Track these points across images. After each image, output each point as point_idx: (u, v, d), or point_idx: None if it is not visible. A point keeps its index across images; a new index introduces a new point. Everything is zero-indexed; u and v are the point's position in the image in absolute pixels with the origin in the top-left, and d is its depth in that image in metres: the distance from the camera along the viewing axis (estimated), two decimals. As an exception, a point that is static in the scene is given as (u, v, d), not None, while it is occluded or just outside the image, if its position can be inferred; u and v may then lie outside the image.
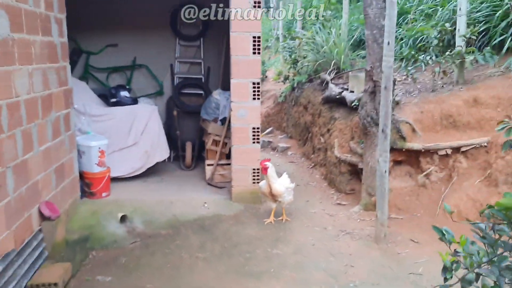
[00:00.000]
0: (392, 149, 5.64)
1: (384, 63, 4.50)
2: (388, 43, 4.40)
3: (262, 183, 5.37)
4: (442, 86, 6.13)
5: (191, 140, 7.57)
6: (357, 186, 6.35)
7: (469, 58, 5.65)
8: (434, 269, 4.10)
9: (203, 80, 8.03)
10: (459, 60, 5.73)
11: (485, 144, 5.25)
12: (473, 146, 5.31)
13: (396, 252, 4.51)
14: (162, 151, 6.83)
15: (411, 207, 5.44)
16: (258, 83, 5.75)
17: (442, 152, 5.49)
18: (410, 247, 4.61)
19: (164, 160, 7.02)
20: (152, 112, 6.71)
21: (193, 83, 7.86)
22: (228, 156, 6.88)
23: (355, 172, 6.40)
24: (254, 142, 5.85)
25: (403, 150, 5.65)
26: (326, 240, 4.85)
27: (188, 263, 4.47)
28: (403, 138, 5.64)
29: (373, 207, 5.63)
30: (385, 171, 4.57)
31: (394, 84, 5.32)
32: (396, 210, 5.51)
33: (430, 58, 6.00)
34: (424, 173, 5.60)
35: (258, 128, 5.84)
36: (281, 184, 5.23)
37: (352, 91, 7.24)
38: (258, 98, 5.77)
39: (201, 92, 7.90)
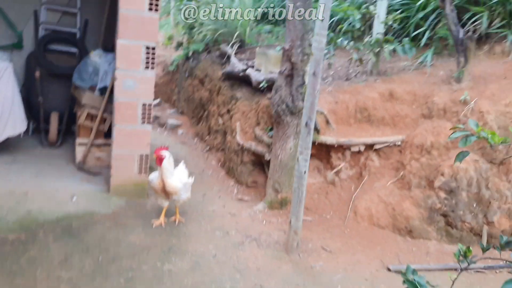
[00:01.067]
0: (304, 142, 5.02)
1: (315, 43, 3.73)
2: (322, 20, 3.63)
3: (153, 176, 4.29)
4: (356, 75, 5.68)
5: (58, 110, 6.02)
6: (261, 179, 5.64)
7: (388, 48, 5.24)
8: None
9: (78, 35, 6.42)
10: (378, 49, 5.29)
11: (399, 143, 4.93)
12: (387, 144, 4.96)
13: (310, 265, 3.91)
14: (16, 122, 5.23)
15: (320, 207, 4.92)
16: (153, 48, 4.56)
17: (355, 149, 5.04)
18: (323, 258, 4.05)
19: (19, 134, 5.40)
20: (4, 69, 5.03)
21: (64, 38, 6.22)
22: (107, 135, 5.57)
23: (259, 163, 5.67)
24: (144, 122, 4.69)
25: (315, 143, 5.06)
26: (229, 250, 4.03)
27: (45, 288, 3.25)
28: (316, 130, 5.04)
29: (279, 206, 4.99)
30: (305, 172, 3.89)
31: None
32: (305, 210, 4.93)
33: (348, 43, 5.46)
34: (335, 169, 5.12)
35: (150, 105, 4.68)
36: (178, 179, 4.22)
37: (259, 70, 6.44)
38: (153, 68, 4.59)
39: (75, 50, 6.30)
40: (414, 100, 5.10)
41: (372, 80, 5.42)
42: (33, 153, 5.66)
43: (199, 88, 8.53)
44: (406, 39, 5.28)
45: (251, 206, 5.10)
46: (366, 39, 5.35)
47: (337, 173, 5.15)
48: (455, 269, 3.98)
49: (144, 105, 4.64)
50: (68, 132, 6.25)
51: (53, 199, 4.51)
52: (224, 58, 7.74)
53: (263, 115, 5.76)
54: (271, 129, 5.60)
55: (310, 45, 4.60)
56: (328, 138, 5.00)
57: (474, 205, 4.38)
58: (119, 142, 4.65)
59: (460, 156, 2.25)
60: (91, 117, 5.37)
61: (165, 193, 4.19)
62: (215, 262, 3.81)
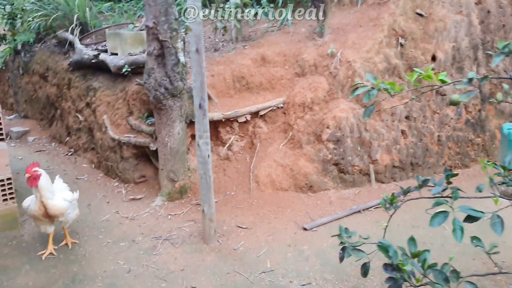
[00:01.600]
0: (190, 122, 4.74)
1: (190, 17, 3.41)
2: (194, -10, 3.32)
3: (28, 202, 3.56)
4: (223, 45, 5.52)
5: None
6: (149, 172, 5.20)
7: (250, 11, 5.17)
8: (280, 259, 3.60)
9: None
10: (240, 14, 5.18)
11: (282, 105, 5.00)
12: (271, 108, 4.99)
13: (232, 248, 3.78)
14: None
15: (222, 185, 4.77)
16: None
17: (242, 119, 4.96)
18: (242, 237, 3.96)
19: None
20: None
21: None
22: None
23: (143, 154, 5.20)
24: (-4, 141, 3.81)
25: (202, 122, 4.81)
26: (143, 259, 3.64)
27: None
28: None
29: (179, 195, 4.68)
30: (208, 156, 3.65)
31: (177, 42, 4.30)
32: (205, 193, 4.72)
33: (209, 12, 5.22)
34: (227, 144, 4.98)
35: (-2, 118, 3.81)
36: (61, 197, 3.57)
37: (115, 53, 5.78)
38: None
39: None
40: (285, 60, 5.19)
41: (240, 47, 5.32)
42: None
43: (42, 85, 7.36)
44: (264, 0, 5.27)
45: (148, 203, 4.68)
46: (226, 5, 5.17)
47: (229, 147, 5.02)
48: (358, 211, 4.30)
49: (-10, 119, 3.75)
50: None
51: None
52: (66, 46, 6.76)
53: (134, 102, 5.23)
54: (148, 116, 5.14)
55: (176, 19, 4.25)
56: (214, 114, 4.80)
57: (359, 148, 4.74)
58: (-32, 171, 3.71)
59: (367, 112, 2.31)
60: None
61: (49, 217, 3.52)
62: (132, 277, 3.39)
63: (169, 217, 4.34)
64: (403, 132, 4.92)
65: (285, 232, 3.99)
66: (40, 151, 6.52)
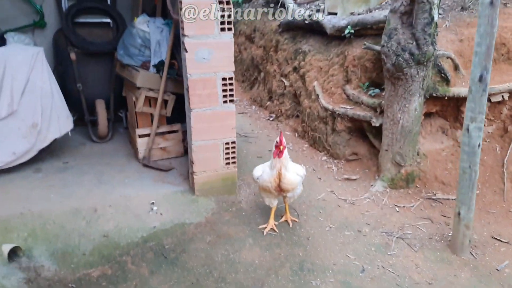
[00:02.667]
0: (429, 97, 3.89)
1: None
2: None
3: (260, 171, 3.27)
4: (472, 2, 4.39)
5: (102, 97, 4.97)
6: (362, 150, 4.57)
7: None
8: None
9: (108, 0, 5.22)
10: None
11: (558, 83, 3.73)
12: (541, 87, 3.77)
13: (493, 267, 2.91)
14: (60, 120, 4.21)
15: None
16: (228, 2, 3.38)
17: (497, 98, 3.88)
18: (503, 254, 3.05)
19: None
20: (36, 56, 3.95)
21: (93, 7, 5.03)
22: (170, 121, 4.54)
23: (358, 129, 4.57)
24: (226, 102, 3.61)
25: (445, 97, 3.91)
26: (376, 257, 3.05)
27: None
28: (446, 80, 3.88)
29: (404, 184, 3.94)
30: (479, 145, 2.79)
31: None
32: (439, 185, 3.89)
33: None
34: (471, 128, 3.97)
35: (231, 78, 3.58)
36: (295, 172, 3.19)
37: (334, 13, 5.19)
38: (230, 28, 3.44)
39: (108, 20, 5.13)
40: None
41: (500, 5, 4.13)
42: (84, 153, 4.67)
43: (247, 46, 7.32)
44: None
45: (365, 187, 4.07)
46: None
47: (470, 131, 4.01)
48: None
49: (224, 79, 3.54)
50: (115, 119, 5.22)
51: (128, 212, 3.56)
52: (276, 4, 6.47)
53: (354, 69, 4.59)
54: (369, 86, 4.46)
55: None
56: (461, 89, 3.84)
57: None
58: (199, 130, 3.60)
59: None
60: (149, 101, 4.30)
61: (280, 190, 3.17)
62: (368, 280, 2.84)
63: (397, 209, 3.65)
64: None
65: None
66: (242, 113, 6.48)
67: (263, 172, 3.20)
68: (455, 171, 3.90)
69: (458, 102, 4.00)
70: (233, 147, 3.76)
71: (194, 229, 3.41)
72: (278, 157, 3.05)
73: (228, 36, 3.42)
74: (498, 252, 3.04)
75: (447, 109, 4.09)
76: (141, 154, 4.37)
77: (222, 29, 3.39)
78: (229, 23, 3.39)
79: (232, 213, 3.64)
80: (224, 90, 3.56)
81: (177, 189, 3.92)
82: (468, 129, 2.76)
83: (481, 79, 2.64)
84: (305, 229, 3.40)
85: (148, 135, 4.35)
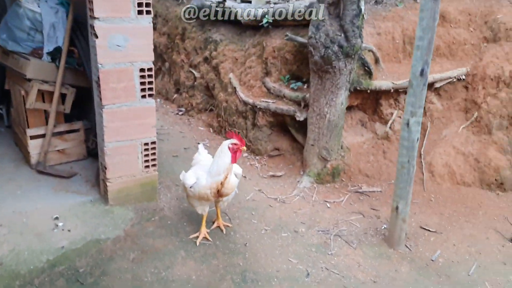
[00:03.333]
0: (352, 91, 3.88)
1: None
2: None
3: (193, 178, 2.87)
4: (385, -4, 4.51)
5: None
6: (284, 144, 4.44)
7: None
8: (503, 283, 2.75)
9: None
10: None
11: (463, 77, 4.01)
12: (449, 80, 4.02)
13: (429, 258, 2.97)
14: None
15: (383, 171, 3.93)
16: (145, -20, 2.91)
17: (412, 91, 4.02)
18: (434, 243, 3.14)
19: None
20: None
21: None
22: (69, 118, 3.88)
23: (280, 124, 4.42)
24: (144, 96, 3.14)
25: (367, 91, 3.94)
26: (318, 258, 2.91)
27: None
28: (369, 73, 3.90)
29: (330, 178, 3.90)
30: (417, 139, 2.80)
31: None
32: (363, 178, 3.92)
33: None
34: (390, 121, 4.09)
35: (150, 69, 3.12)
36: (233, 173, 2.88)
37: (247, 1, 4.95)
38: (149, 12, 2.96)
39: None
40: (470, 20, 4.15)
41: (411, 0, 4.31)
42: (-44, 160, 3.76)
43: (148, 34, 6.70)
44: None
45: (292, 183, 3.94)
46: None
47: (391, 125, 4.13)
48: None
49: (142, 70, 3.07)
50: (-4, 118, 4.34)
51: (27, 231, 2.92)
52: (181, -10, 6.00)
53: (274, 61, 4.42)
54: (290, 79, 4.33)
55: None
56: (382, 82, 3.90)
57: None
58: (113, 129, 3.08)
59: None
60: (42, 95, 3.60)
61: (219, 196, 2.84)
62: (315, 284, 2.68)
63: (328, 205, 3.58)
64: None
65: (488, 244, 3.13)
66: (147, 107, 5.91)
67: (197, 178, 2.82)
68: (377, 164, 3.97)
69: (378, 95, 4.07)
70: (153, 148, 3.31)
71: (113, 246, 2.90)
72: (234, 161, 2.70)
73: (147, 20, 2.95)
74: (429, 242, 3.13)
75: (367, 102, 4.15)
76: (34, 159, 3.66)
77: (140, 12, 2.91)
78: (147, 5, 2.93)
79: (156, 222, 3.20)
80: (142, 83, 3.09)
81: (85, 198, 3.34)
82: (408, 124, 2.75)
83: (422, 73, 2.63)
84: (240, 234, 3.13)
85: (42, 135, 3.65)
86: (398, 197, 2.92)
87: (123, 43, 2.90)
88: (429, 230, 3.25)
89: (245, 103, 4.54)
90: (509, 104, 3.75)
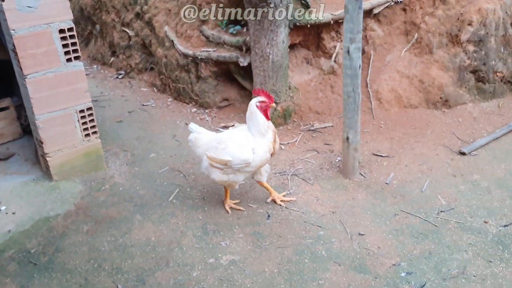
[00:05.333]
0: (292, 28, 3.76)
1: None
2: None
3: (249, 151, 2.53)
4: None
5: None
6: (232, 93, 4.32)
7: None
8: (453, 193, 2.87)
9: None
10: None
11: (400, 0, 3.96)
12: (387, 4, 3.96)
13: (383, 182, 3.03)
14: None
15: (333, 106, 3.92)
16: None
17: (352, 20, 3.95)
18: (387, 167, 3.20)
19: None
20: None
21: None
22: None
23: (224, 73, 4.27)
24: (70, 60, 2.89)
25: (307, 26, 3.83)
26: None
27: None
28: (306, 7, 3.77)
29: (282, 121, 3.89)
30: (359, 67, 2.75)
31: None
32: (314, 115, 3.90)
33: None
34: (334, 54, 4.02)
35: (71, 29, 2.84)
36: None
37: None
38: (56, -38, 2.66)
39: None
40: None
41: None
42: None
43: (72, -4, 6.18)
44: None
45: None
46: None
47: (335, 59, 4.07)
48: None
49: (62, 31, 2.79)
50: None
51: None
52: None
53: (208, 6, 4.18)
54: (227, 24, 4.14)
55: None
56: (320, 15, 3.78)
57: (502, 50, 3.81)
58: (42, 100, 2.84)
59: None
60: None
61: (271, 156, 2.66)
62: (277, 224, 2.68)
63: (282, 147, 3.54)
64: (556, 27, 3.94)
65: (438, 159, 3.22)
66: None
67: (253, 148, 2.52)
68: (326, 99, 3.94)
69: (319, 29, 3.97)
70: (91, 114, 3.10)
71: (64, 221, 2.77)
72: (268, 119, 2.56)
73: (57, -28, 2.65)
74: (382, 167, 3.18)
75: (309, 38, 4.05)
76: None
77: (46, -37, 2.60)
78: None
79: (107, 191, 3.06)
80: (65, 46, 2.82)
81: (27, 178, 3.14)
82: (348, 51, 2.69)
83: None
84: (198, 189, 3.06)
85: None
86: (348, 127, 2.91)
87: (34, 3, 2.61)
88: (381, 156, 3.30)
89: (185, 56, 4.33)
90: (447, 21, 3.76)
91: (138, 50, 5.21)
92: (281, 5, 3.40)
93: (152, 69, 5.08)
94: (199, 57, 4.18)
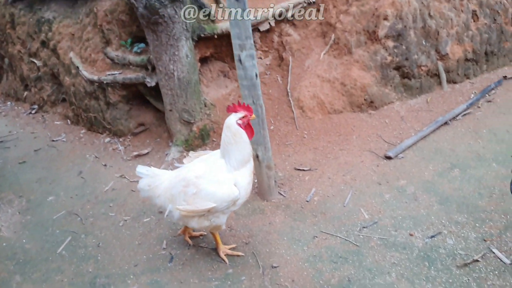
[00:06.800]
0: (198, 40, 3.44)
1: None
2: None
3: (233, 188, 2.04)
4: None
5: None
6: (147, 117, 3.95)
7: None
8: (377, 204, 2.58)
9: None
10: None
11: (313, 0, 3.72)
12: (300, 6, 3.71)
13: (304, 200, 2.71)
14: None
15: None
16: None
17: (265, 26, 3.68)
18: (309, 182, 2.89)
19: None
20: None
21: None
22: None
23: (136, 96, 3.89)
24: None
25: (215, 36, 3.51)
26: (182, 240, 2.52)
27: None
28: (208, 15, 3.46)
29: (200, 141, 3.52)
30: (256, 75, 2.43)
31: None
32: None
33: None
34: (249, 64, 3.71)
35: None
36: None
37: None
38: None
39: None
40: None
41: None
42: None
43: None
44: None
45: (160, 158, 3.49)
46: None
47: (249, 68, 3.77)
48: (445, 123, 3.28)
49: None
50: None
51: None
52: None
53: (110, 26, 3.82)
54: (133, 43, 3.78)
55: None
56: (225, 24, 3.48)
57: (424, 42, 3.62)
58: None
59: None
60: None
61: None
62: (180, 268, 2.29)
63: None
64: (474, 13, 3.79)
65: (363, 167, 2.94)
66: (-6, 114, 5.06)
67: (236, 183, 2.04)
68: (245, 113, 3.61)
69: (229, 39, 3.66)
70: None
71: None
72: (252, 135, 2.12)
73: None
74: (304, 182, 2.87)
75: (222, 50, 3.74)
76: None
77: None
78: None
79: (-14, 250, 2.60)
80: None
81: None
82: (240, 60, 2.37)
83: (237, -2, 2.22)
84: (94, 235, 2.64)
85: None
86: (255, 144, 2.58)
87: None
88: (303, 170, 2.99)
89: (91, 82, 3.93)
90: (362, 17, 3.54)
91: (49, 81, 4.76)
92: (176, 16, 3.07)
93: (64, 100, 4.64)
94: (104, 82, 3.79)
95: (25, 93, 5.19)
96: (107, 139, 3.95)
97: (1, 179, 3.44)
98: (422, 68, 3.61)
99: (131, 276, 2.27)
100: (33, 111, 4.91)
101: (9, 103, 5.37)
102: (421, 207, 2.47)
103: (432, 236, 2.24)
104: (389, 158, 2.96)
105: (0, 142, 4.24)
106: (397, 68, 3.56)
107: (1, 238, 2.70)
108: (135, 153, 3.60)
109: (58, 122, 4.53)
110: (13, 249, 2.59)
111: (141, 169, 2.22)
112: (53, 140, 4.13)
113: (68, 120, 4.48)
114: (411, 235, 2.28)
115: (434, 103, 3.59)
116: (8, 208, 3.04)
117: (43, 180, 3.39)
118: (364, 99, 3.49)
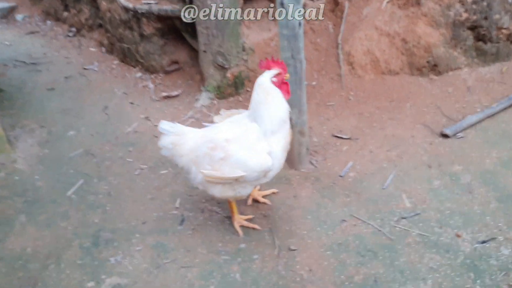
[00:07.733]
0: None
1: None
2: None
3: (266, 156, 1.81)
4: None
5: None
6: (182, 55, 3.63)
7: None
8: (423, 192, 2.21)
9: None
10: None
11: None
12: None
13: (337, 174, 2.39)
14: None
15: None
16: None
17: (321, -38, 3.15)
18: (346, 153, 2.55)
19: None
20: None
21: None
22: None
23: (172, 30, 3.56)
24: None
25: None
26: (202, 198, 2.30)
27: None
28: None
29: (233, 90, 3.21)
30: (300, 24, 2.03)
31: None
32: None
33: None
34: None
35: None
36: None
37: None
38: None
39: None
40: None
41: None
42: None
43: None
44: None
45: (190, 103, 3.23)
46: None
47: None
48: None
49: None
50: None
51: None
52: None
53: None
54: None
55: None
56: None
57: (510, 0, 2.99)
58: None
59: None
60: None
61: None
62: (189, 233, 2.09)
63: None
64: None
65: (414, 143, 2.54)
66: (31, 33, 4.90)
67: (271, 152, 1.81)
68: (287, 63, 3.21)
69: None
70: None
71: None
72: (288, 96, 1.88)
73: None
74: (340, 152, 2.53)
75: (265, -14, 3.28)
76: None
77: None
78: None
79: (3, 182, 2.51)
80: None
81: None
82: (282, 3, 1.96)
83: None
84: (107, 181, 2.47)
85: None
86: (289, 106, 2.22)
87: None
88: (342, 138, 2.63)
89: (126, 10, 3.61)
90: (440, -39, 2.93)
91: (87, 3, 4.49)
92: None
93: (101, 26, 4.38)
94: (139, 11, 3.47)
95: (65, 13, 4.97)
96: (139, 74, 3.71)
97: (27, 105, 3.31)
98: (503, 31, 3.02)
99: (137, 235, 2.09)
100: (70, 34, 4.71)
101: (48, 22, 5.19)
102: (476, 203, 2.09)
103: (484, 242, 1.89)
104: (445, 136, 2.53)
105: (33, 64, 4.10)
106: (472, 28, 3.00)
107: (16, 171, 2.59)
108: (164, 94, 3.35)
109: (93, 49, 4.32)
110: (24, 185, 2.48)
111: (165, 125, 1.97)
112: (85, 68, 3.94)
113: (103, 48, 4.25)
114: (458, 236, 1.93)
115: (510, 74, 3.03)
116: (28, 138, 2.92)
117: (67, 111, 3.24)
118: (427, 61, 2.99)
